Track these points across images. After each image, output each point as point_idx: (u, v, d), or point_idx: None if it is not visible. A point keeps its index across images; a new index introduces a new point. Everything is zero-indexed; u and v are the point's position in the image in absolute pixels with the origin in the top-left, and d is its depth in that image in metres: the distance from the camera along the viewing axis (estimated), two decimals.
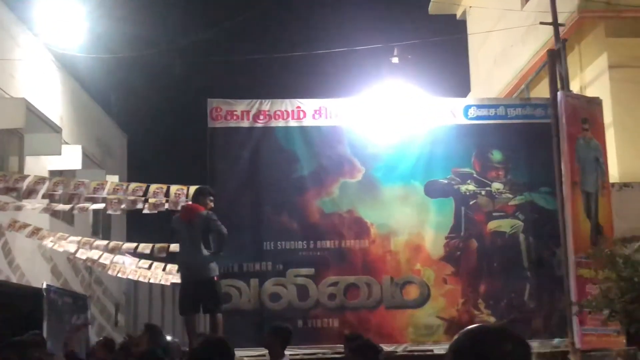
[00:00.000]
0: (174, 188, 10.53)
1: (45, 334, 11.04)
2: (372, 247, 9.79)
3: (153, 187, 10.72)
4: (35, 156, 15.39)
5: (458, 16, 18.30)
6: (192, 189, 9.64)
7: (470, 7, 17.12)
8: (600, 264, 8.80)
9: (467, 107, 10.25)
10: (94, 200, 11.51)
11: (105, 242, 15.37)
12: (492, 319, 9.55)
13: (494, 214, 9.94)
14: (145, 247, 14.55)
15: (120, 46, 17.70)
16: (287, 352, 7.34)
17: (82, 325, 8.51)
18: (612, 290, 7.70)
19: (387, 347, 8.25)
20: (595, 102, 10.46)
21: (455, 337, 2.26)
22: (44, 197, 11.91)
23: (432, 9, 17.97)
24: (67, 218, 17.14)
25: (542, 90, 12.36)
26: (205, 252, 8.19)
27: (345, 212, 9.82)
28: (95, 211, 18.11)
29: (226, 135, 9.77)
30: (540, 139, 9.96)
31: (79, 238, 14.55)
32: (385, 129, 10.02)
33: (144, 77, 20.71)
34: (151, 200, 10.72)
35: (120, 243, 15.09)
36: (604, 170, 10.03)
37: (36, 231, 13.71)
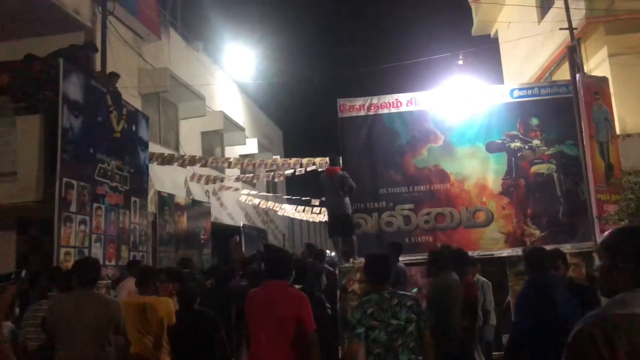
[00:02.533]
0: (317, 159, 10.39)
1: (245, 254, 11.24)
2: (451, 188, 9.27)
3: (306, 160, 10.65)
4: (230, 146, 15.79)
5: (492, 35, 17.17)
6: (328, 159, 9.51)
7: (504, 25, 15.95)
8: (615, 190, 7.97)
9: (512, 90, 9.47)
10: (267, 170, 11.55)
11: (274, 203, 15.59)
12: (537, 232, 8.86)
13: (535, 161, 9.18)
14: (300, 209, 14.58)
15: (275, 74, 17.75)
16: (400, 259, 7.13)
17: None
18: (630, 206, 6.91)
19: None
20: (603, 80, 9.44)
21: (605, 236, 1.81)
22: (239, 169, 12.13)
23: (474, 31, 17.05)
24: (251, 182, 17.54)
25: (559, 77, 11.53)
26: (344, 196, 8.05)
27: (432, 167, 9.34)
28: (267, 177, 18.50)
29: (350, 122, 9.54)
30: (565, 108, 9.07)
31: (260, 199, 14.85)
32: (456, 109, 9.41)
33: (292, 91, 20.78)
34: (304, 167, 10.64)
35: (288, 197, 15.26)
36: (612, 126, 9.04)
37: (235, 193, 14.05)
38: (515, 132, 9.27)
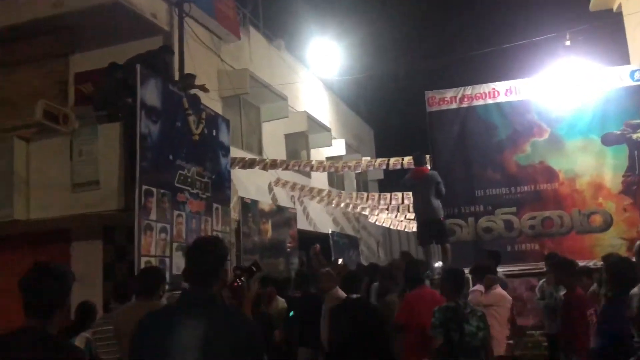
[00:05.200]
0: (406, 159, 10.16)
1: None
2: (560, 188, 8.69)
3: (392, 160, 10.46)
4: (316, 149, 15.93)
5: (615, 9, 15.79)
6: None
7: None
8: None
9: (633, 72, 8.69)
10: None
11: (366, 204, 15.45)
12: None
13: None
14: (393, 208, 14.39)
15: (362, 69, 17.70)
16: (499, 269, 6.76)
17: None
18: None
19: (580, 263, 7.28)
20: None
21: None
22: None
23: (593, 5, 15.72)
24: (340, 186, 17.56)
25: None
26: (435, 200, 7.83)
27: (537, 164, 8.83)
28: (357, 180, 18.46)
29: (440, 116, 9.29)
30: None
31: (347, 203, 14.81)
32: (564, 97, 8.80)
33: (380, 86, 20.62)
34: (391, 168, 10.46)
35: (377, 204, 15.08)
36: None
37: (322, 199, 14.14)
38: (637, 121, 8.49)
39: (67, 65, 9.43)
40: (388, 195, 12.48)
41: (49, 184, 7.60)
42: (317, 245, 8.91)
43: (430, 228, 7.88)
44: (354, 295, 4.79)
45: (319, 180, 15.32)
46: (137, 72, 7.15)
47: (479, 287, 6.01)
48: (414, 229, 16.56)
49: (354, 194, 14.37)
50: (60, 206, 7.53)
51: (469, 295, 5.95)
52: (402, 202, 12.10)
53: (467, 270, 6.78)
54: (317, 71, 16.27)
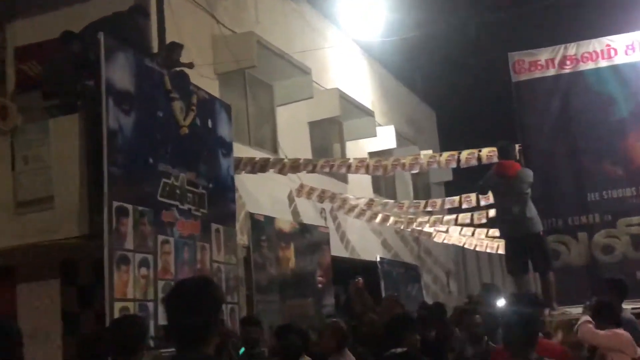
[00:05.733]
0: (485, 151, 10.09)
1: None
2: None
3: (465, 153, 10.40)
4: (354, 140, 15.94)
5: None
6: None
7: None
8: None
9: None
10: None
11: (425, 217, 15.42)
12: None
13: None
14: (464, 217, 14.33)
15: (416, 26, 17.61)
16: (625, 306, 6.69)
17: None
18: None
19: None
20: None
21: None
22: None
23: None
24: (390, 194, 17.51)
25: None
26: (531, 207, 7.83)
27: None
28: (415, 183, 18.41)
29: (532, 87, 9.24)
30: None
31: (400, 217, 14.77)
32: None
33: (442, 50, 20.46)
34: (464, 165, 10.41)
35: (440, 216, 15.04)
36: None
37: (363, 212, 14.16)
38: None
39: (3, 36, 9.64)
40: (456, 199, 12.39)
41: None
42: (360, 279, 8.91)
43: (525, 248, 7.86)
44: (398, 350, 4.65)
45: (360, 185, 15.29)
46: (100, 43, 7.27)
47: (587, 317, 6.06)
48: (500, 251, 16.47)
49: (410, 204, 14.32)
50: (0, 234, 7.68)
51: (578, 330, 5.96)
52: (481, 208, 12.01)
53: (579, 309, 6.73)
54: (353, 31, 16.27)
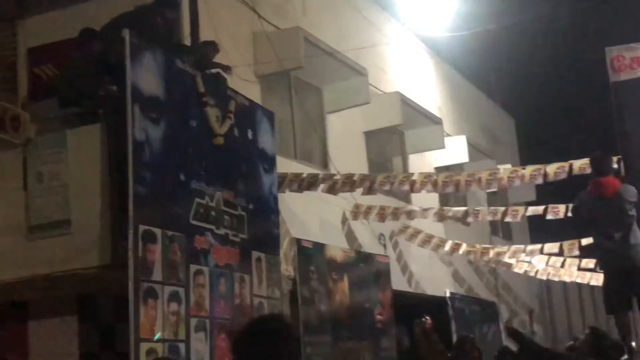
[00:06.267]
0: (577, 164, 9.95)
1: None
2: None
3: (552, 167, 10.28)
4: (418, 153, 15.89)
5: None
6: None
7: None
8: None
9: None
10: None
11: (504, 247, 15.28)
12: None
13: None
14: (552, 247, 14.12)
15: (491, 18, 17.54)
16: None
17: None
18: None
19: None
20: None
21: None
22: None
23: None
24: (462, 220, 17.36)
25: None
26: (635, 230, 7.78)
27: None
28: (491, 201, 18.23)
29: (634, 88, 9.06)
30: None
31: (474, 246, 14.65)
32: None
33: (523, 46, 20.38)
34: (552, 179, 10.28)
35: (522, 246, 14.88)
36: None
37: (428, 239, 14.07)
38: None
39: (14, 36, 9.85)
40: (540, 208, 12.16)
41: None
42: (428, 319, 8.78)
43: (628, 281, 7.81)
44: None
45: (426, 206, 15.20)
46: (124, 42, 7.38)
47: None
48: (594, 282, 16.16)
49: (486, 211, 14.08)
50: (10, 263, 7.81)
51: None
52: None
53: None
54: (416, 26, 16.29)
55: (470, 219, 14.00)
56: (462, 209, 14.01)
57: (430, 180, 11.23)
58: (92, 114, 7.93)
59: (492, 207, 14.71)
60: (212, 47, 8.94)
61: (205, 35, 9.33)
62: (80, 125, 7.94)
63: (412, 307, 13.10)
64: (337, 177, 11.20)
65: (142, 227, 7.18)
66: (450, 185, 11.18)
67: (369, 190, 11.23)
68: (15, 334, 8.62)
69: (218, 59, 9.11)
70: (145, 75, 7.55)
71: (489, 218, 14.13)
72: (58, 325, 8.48)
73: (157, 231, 7.39)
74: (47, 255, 7.68)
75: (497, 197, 18.73)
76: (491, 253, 14.91)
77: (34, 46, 9.71)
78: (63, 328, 8.46)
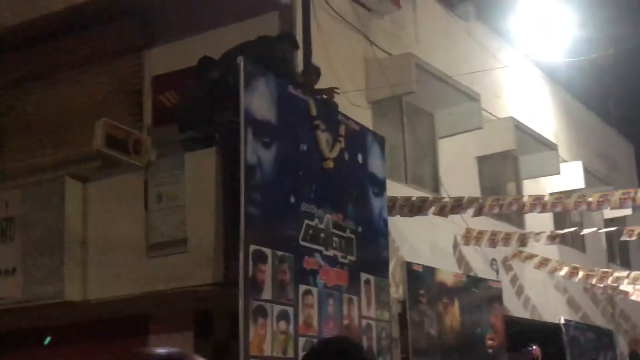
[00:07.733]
0: None
1: None
2: None
3: None
4: (533, 179, 15.62)
5: None
6: None
7: None
8: None
9: None
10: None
11: (624, 272, 14.80)
12: None
13: None
14: None
15: (609, 43, 17.11)
16: None
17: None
18: None
19: None
20: None
21: None
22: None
23: None
24: (577, 244, 16.94)
25: None
26: None
27: None
28: (608, 232, 17.72)
29: None
30: None
31: (592, 270, 14.24)
32: None
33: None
34: None
35: None
36: None
37: (544, 262, 13.75)
38: None
39: (140, 65, 10.26)
40: None
41: (114, 245, 8.23)
42: (535, 348, 8.57)
43: None
44: None
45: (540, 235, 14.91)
46: (239, 69, 7.58)
47: None
48: None
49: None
50: (131, 279, 8.09)
51: None
52: None
53: None
54: (531, 51, 16.05)
55: (584, 231, 13.66)
56: (574, 229, 13.67)
57: (539, 202, 11.02)
58: (208, 138, 8.13)
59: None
60: (315, 71, 9.04)
61: (318, 62, 9.41)
62: (197, 148, 8.16)
63: (524, 332, 12.85)
64: (448, 200, 11.12)
65: (252, 247, 7.32)
66: (559, 205, 10.94)
67: (479, 212, 11.11)
68: (137, 346, 8.87)
69: (330, 84, 9.24)
70: (258, 101, 7.73)
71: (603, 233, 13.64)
72: (176, 340, 8.64)
73: (268, 251, 7.51)
74: (165, 272, 7.91)
75: (615, 223, 18.20)
76: (610, 279, 14.47)
77: (158, 74, 10.06)
78: (180, 343, 8.60)
